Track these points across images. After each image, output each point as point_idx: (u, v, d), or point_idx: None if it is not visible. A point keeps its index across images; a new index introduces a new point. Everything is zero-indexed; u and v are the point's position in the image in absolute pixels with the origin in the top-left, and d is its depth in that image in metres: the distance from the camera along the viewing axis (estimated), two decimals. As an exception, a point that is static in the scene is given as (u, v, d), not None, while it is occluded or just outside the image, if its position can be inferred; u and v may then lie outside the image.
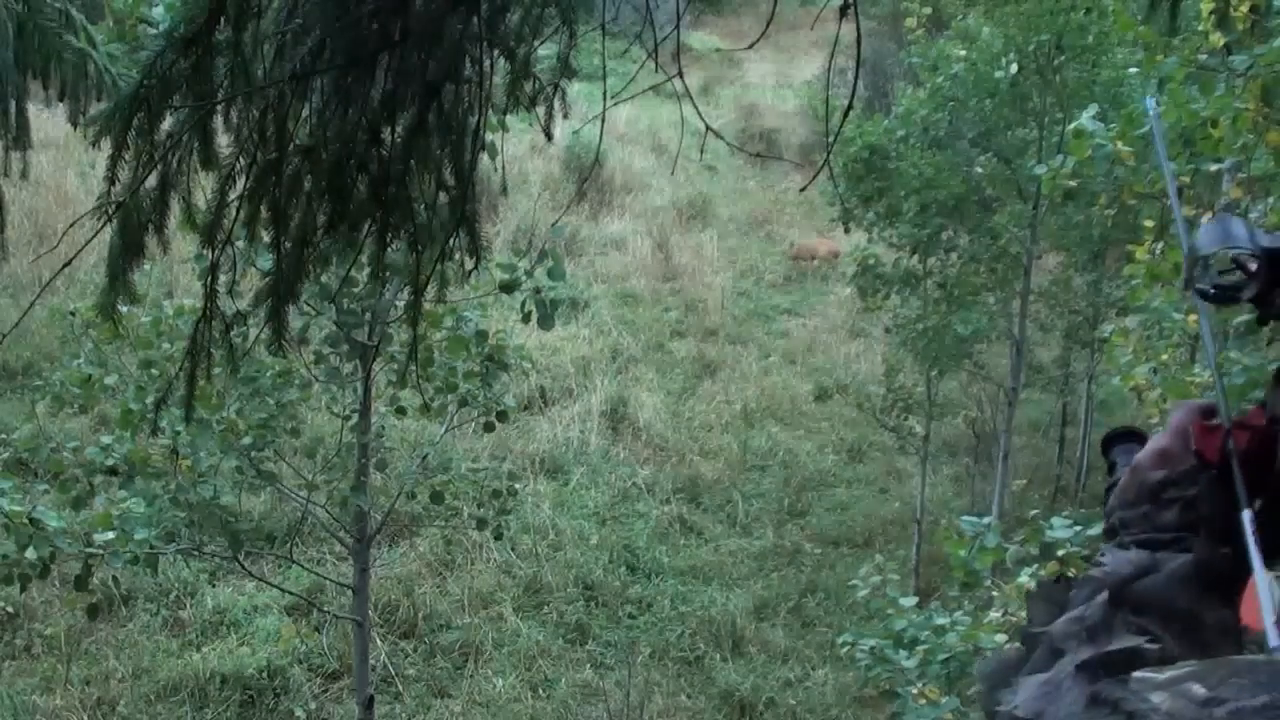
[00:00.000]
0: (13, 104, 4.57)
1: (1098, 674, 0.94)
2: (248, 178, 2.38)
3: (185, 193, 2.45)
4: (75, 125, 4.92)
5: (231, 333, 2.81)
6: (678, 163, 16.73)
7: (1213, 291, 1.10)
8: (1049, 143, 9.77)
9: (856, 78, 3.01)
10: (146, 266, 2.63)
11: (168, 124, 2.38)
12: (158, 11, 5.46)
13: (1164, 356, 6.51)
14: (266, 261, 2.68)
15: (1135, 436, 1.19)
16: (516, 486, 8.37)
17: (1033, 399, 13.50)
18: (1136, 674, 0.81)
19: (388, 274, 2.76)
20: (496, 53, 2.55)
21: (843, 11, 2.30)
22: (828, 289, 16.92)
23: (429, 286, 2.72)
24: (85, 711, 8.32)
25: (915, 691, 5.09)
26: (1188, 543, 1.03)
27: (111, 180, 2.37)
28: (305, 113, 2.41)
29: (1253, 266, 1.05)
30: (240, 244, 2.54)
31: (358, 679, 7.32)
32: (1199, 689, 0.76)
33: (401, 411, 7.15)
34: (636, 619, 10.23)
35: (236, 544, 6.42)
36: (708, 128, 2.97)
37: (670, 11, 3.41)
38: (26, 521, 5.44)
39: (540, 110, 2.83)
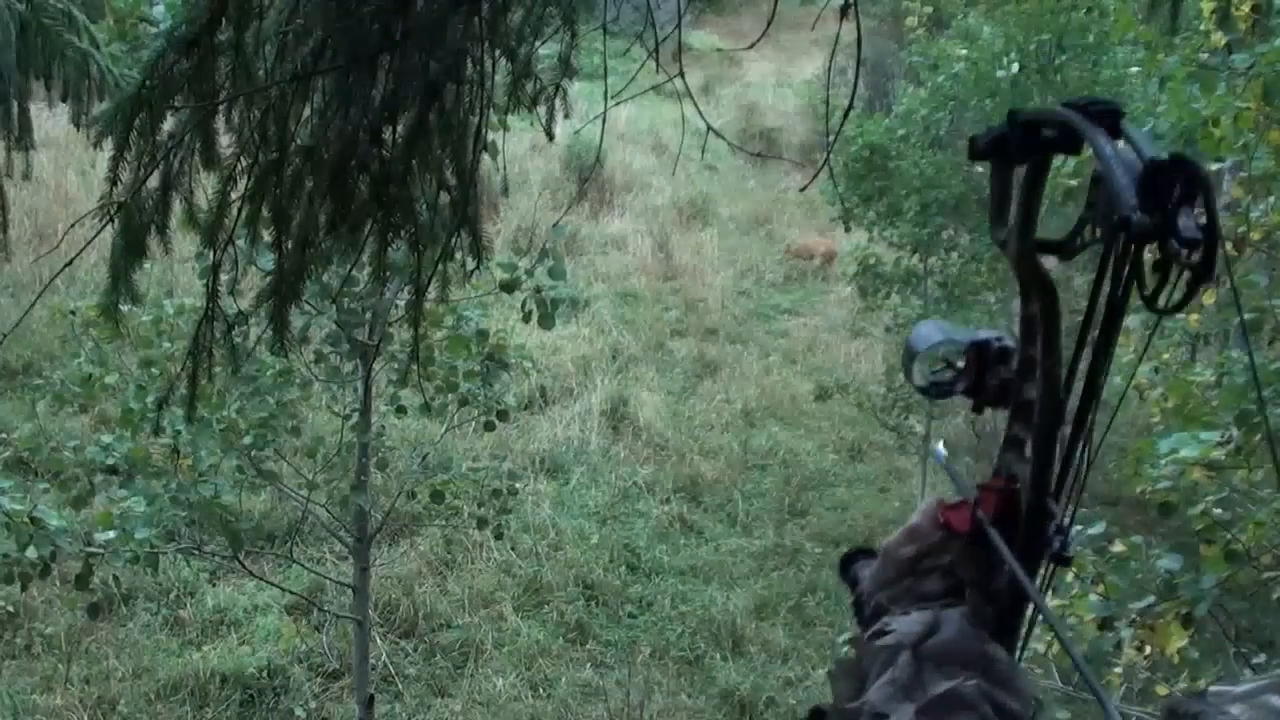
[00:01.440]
0: (15, 104, 4.56)
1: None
2: (249, 178, 2.39)
3: (187, 193, 2.45)
4: (77, 125, 4.92)
5: (233, 332, 2.81)
6: (678, 162, 16.72)
7: (929, 387, 1.21)
8: (1049, 142, 9.75)
9: (857, 77, 3.02)
10: (147, 266, 2.64)
11: (169, 124, 2.38)
12: (158, 11, 5.46)
13: (1165, 356, 6.52)
14: (268, 261, 2.68)
15: (870, 554, 1.28)
16: (516, 486, 8.38)
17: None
18: (1212, 688, 0.87)
19: (389, 273, 2.76)
20: (498, 53, 2.55)
21: (843, 11, 2.31)
22: (828, 289, 16.91)
23: (430, 286, 2.72)
24: (85, 711, 8.32)
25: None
26: (956, 603, 1.14)
27: (114, 180, 2.37)
28: (306, 113, 2.41)
29: (960, 364, 1.18)
30: (242, 244, 2.54)
31: (358, 678, 7.33)
32: (1277, 700, 0.80)
33: (402, 411, 7.15)
34: (636, 618, 10.23)
35: (237, 543, 6.42)
36: (709, 127, 2.98)
37: (671, 11, 3.41)
38: (27, 520, 5.45)
39: (541, 110, 2.84)
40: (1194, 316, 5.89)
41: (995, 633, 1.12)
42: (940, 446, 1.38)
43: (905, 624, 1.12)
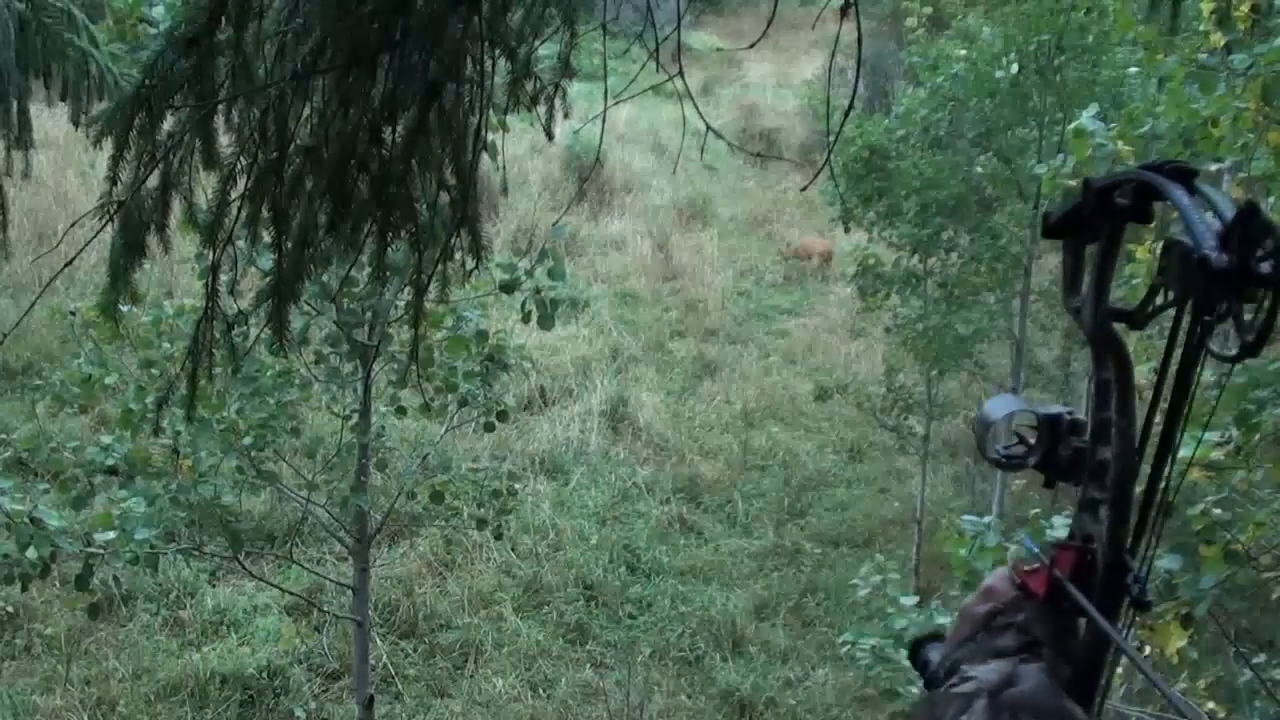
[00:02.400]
0: (15, 104, 4.56)
1: None
2: (249, 177, 2.38)
3: (187, 192, 2.45)
4: (77, 125, 4.91)
5: (233, 332, 2.80)
6: (678, 163, 16.72)
7: (1003, 460, 1.29)
8: (1049, 142, 9.76)
9: (857, 77, 3.01)
10: (147, 266, 2.63)
11: (169, 124, 2.38)
12: (157, 11, 5.46)
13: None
14: (267, 261, 2.68)
15: (938, 638, 1.32)
16: (516, 486, 8.38)
17: (1033, 399, 13.47)
18: None
19: (388, 274, 2.75)
20: (497, 52, 2.54)
21: (843, 11, 2.30)
22: (827, 289, 16.92)
23: (430, 286, 2.72)
24: (85, 711, 8.32)
25: (916, 691, 5.09)
26: (1031, 659, 1.18)
27: (113, 180, 2.36)
28: (306, 112, 2.41)
29: (1032, 440, 1.24)
30: (241, 244, 2.54)
31: (357, 679, 7.32)
32: None
33: (402, 411, 7.14)
34: (636, 619, 10.23)
35: (237, 544, 6.42)
36: (708, 127, 2.97)
37: (670, 11, 3.41)
38: (27, 521, 5.44)
39: (541, 110, 2.83)
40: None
41: (1070, 693, 1.15)
42: (1028, 539, 1.42)
43: (983, 672, 1.14)
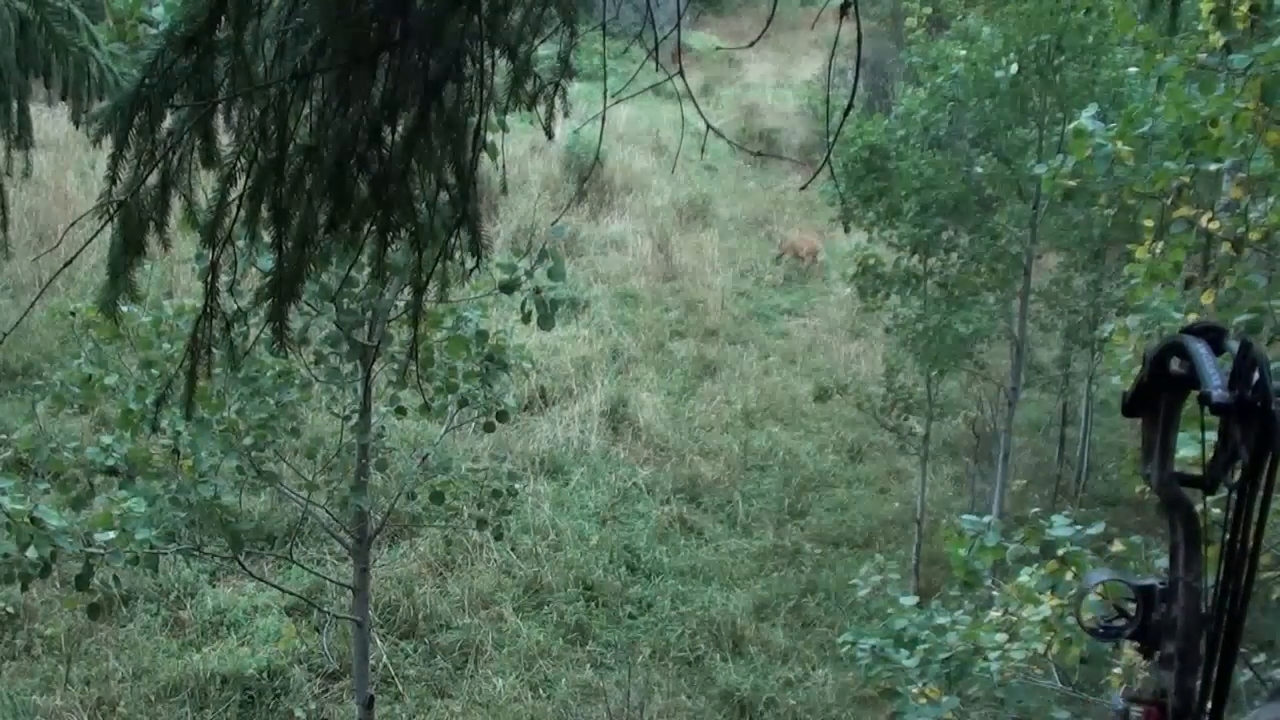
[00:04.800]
0: (15, 103, 4.56)
1: None
2: (249, 177, 2.38)
3: (186, 191, 2.45)
4: (77, 124, 4.92)
5: (232, 332, 2.80)
6: (678, 163, 16.73)
7: (1100, 630, 1.34)
8: (1049, 142, 9.77)
9: (857, 77, 3.02)
10: (147, 266, 2.63)
11: (169, 123, 2.38)
12: (157, 11, 5.46)
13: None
14: (267, 261, 2.68)
15: None
16: (516, 486, 8.37)
17: (1033, 399, 13.50)
18: None
19: (388, 274, 2.76)
20: (497, 52, 2.55)
21: (843, 11, 2.30)
22: (828, 289, 16.92)
23: (430, 286, 2.72)
24: (85, 712, 8.32)
25: (916, 691, 5.09)
26: None
27: (113, 179, 2.36)
28: (306, 112, 2.41)
29: (1130, 610, 1.29)
30: (241, 243, 2.54)
31: (357, 679, 7.32)
32: None
33: (401, 411, 7.14)
34: (636, 619, 10.23)
35: (237, 544, 6.42)
36: (709, 127, 2.97)
37: (670, 11, 3.41)
38: (27, 521, 5.44)
39: (541, 109, 2.83)
40: (1192, 317, 5.89)
41: None
42: (1116, 698, 1.48)
43: None
